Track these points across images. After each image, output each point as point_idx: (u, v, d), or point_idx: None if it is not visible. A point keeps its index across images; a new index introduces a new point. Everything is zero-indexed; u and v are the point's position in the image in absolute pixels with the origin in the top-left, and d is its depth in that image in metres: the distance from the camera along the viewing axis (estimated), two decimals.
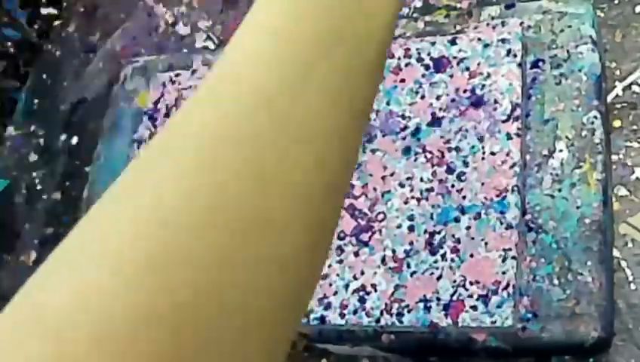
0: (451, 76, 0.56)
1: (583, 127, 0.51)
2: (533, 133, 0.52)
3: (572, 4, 0.56)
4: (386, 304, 0.50)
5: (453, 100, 0.55)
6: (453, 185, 0.52)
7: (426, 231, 0.51)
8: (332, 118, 0.26)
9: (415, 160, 0.54)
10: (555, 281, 0.47)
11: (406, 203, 0.53)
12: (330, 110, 0.25)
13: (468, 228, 0.50)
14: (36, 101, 0.83)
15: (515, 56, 0.54)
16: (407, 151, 0.55)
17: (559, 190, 0.50)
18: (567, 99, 0.52)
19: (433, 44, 0.58)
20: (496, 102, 0.53)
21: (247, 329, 0.23)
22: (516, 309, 0.47)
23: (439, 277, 0.49)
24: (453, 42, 0.57)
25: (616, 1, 0.59)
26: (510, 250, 0.48)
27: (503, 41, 0.55)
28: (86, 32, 0.85)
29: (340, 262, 0.53)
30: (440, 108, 0.55)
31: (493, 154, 0.52)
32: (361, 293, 0.51)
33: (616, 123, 0.54)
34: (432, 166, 0.53)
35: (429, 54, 0.58)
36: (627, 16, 0.58)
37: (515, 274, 0.48)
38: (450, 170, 0.53)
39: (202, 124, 0.24)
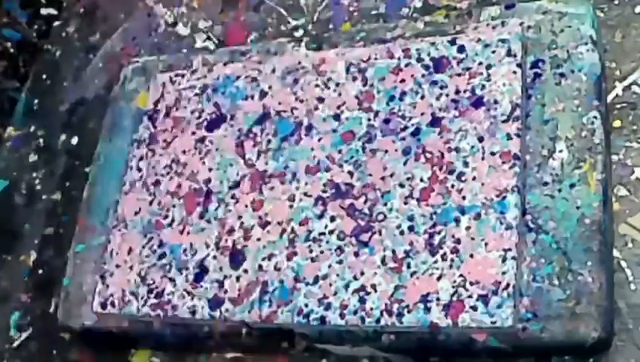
0: (451, 76, 0.56)
1: (583, 127, 0.51)
2: (533, 133, 0.52)
3: (572, 4, 0.56)
4: (386, 304, 0.50)
5: (453, 100, 0.55)
6: (453, 185, 0.52)
7: (425, 231, 0.51)
8: None
9: (415, 160, 0.54)
10: (555, 281, 0.47)
11: (406, 203, 0.53)
12: None
13: (468, 228, 0.50)
14: (36, 101, 0.83)
15: (515, 56, 0.54)
16: (407, 151, 0.55)
17: (559, 190, 0.50)
18: (567, 99, 0.52)
19: (433, 44, 0.58)
20: (496, 102, 0.53)
21: None
22: (516, 309, 0.47)
23: (439, 277, 0.49)
24: (453, 42, 0.57)
25: (616, 1, 0.59)
26: (510, 250, 0.48)
27: (503, 41, 0.55)
28: (86, 32, 0.85)
29: (340, 262, 0.53)
30: (440, 108, 0.55)
31: (493, 154, 0.52)
32: (361, 293, 0.51)
33: (617, 123, 0.54)
34: (432, 166, 0.53)
35: (429, 54, 0.58)
36: (627, 16, 0.58)
37: (515, 274, 0.48)
38: (450, 170, 0.53)
39: None
